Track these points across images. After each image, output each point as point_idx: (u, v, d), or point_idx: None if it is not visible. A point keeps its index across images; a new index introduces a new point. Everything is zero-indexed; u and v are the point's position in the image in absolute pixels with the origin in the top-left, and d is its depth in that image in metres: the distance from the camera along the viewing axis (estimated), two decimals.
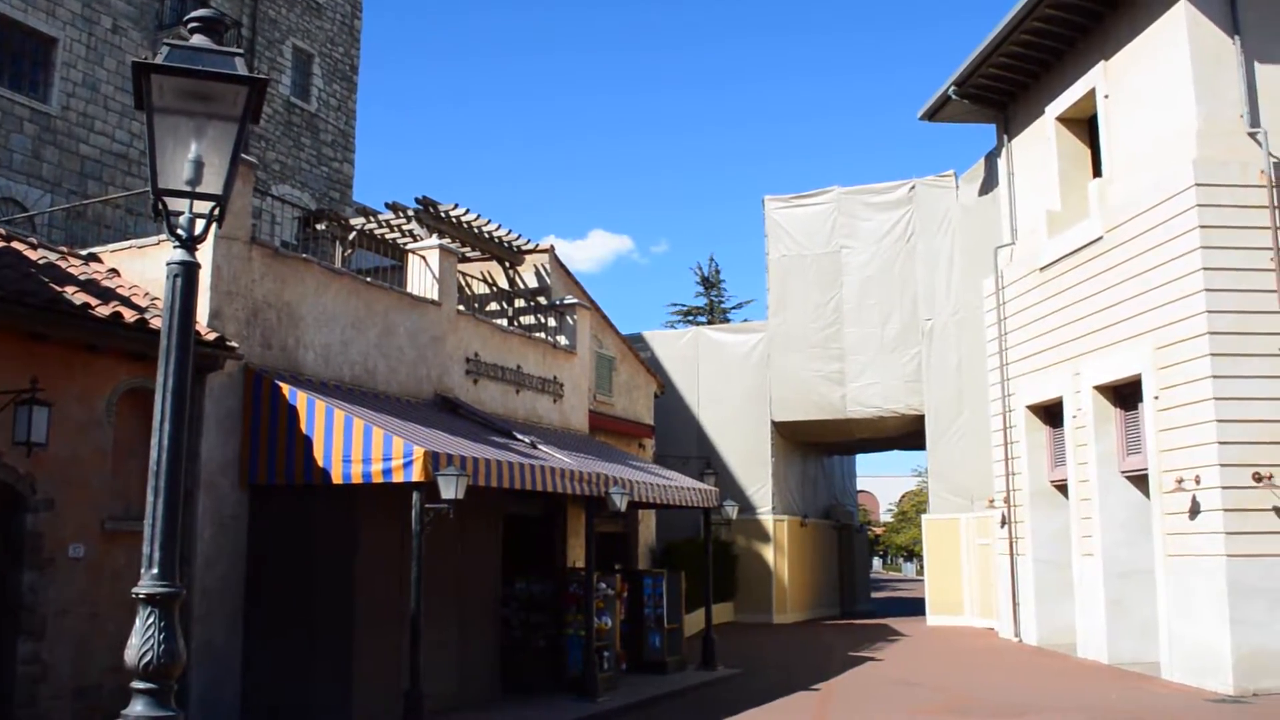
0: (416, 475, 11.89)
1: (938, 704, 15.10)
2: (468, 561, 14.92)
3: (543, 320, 21.16)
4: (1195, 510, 16.33)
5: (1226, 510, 15.88)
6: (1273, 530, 15.88)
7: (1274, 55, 17.18)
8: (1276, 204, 16.67)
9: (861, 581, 37.72)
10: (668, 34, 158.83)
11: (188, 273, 5.16)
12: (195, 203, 5.07)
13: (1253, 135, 16.94)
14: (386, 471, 12.09)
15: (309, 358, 14.13)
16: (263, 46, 28.10)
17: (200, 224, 5.13)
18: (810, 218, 30.00)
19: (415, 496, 12.13)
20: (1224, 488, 15.90)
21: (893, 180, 29.49)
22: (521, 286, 21.43)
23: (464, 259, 19.84)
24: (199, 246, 5.21)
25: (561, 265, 22.49)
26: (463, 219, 19.11)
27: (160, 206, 5.08)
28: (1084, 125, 21.27)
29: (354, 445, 12.33)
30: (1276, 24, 17.24)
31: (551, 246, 21.99)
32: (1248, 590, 15.66)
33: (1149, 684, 16.65)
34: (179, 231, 5.10)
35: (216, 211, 5.14)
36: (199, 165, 5.05)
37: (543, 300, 21.31)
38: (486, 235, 19.90)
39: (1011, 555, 22.76)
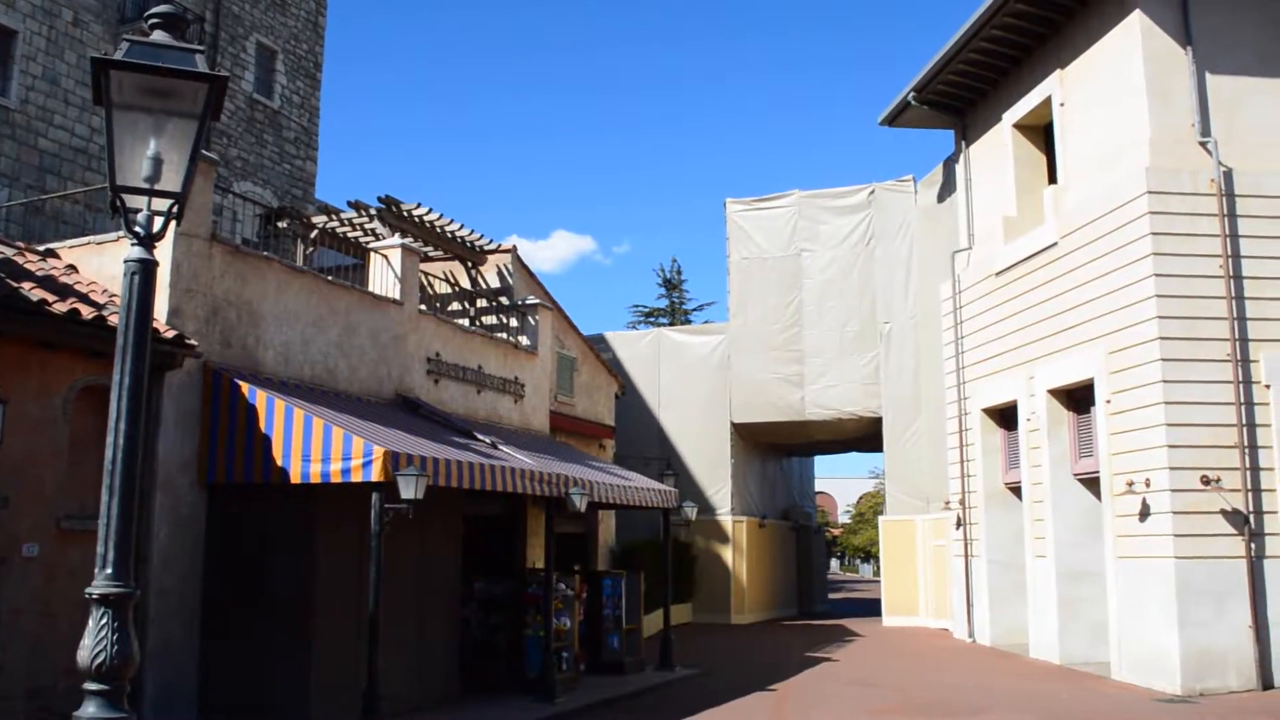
0: (376, 475, 11.90)
1: (893, 704, 15.26)
2: (427, 562, 14.92)
3: (504, 320, 21.19)
4: (1145, 513, 16.60)
5: (1175, 513, 16.14)
6: (1220, 533, 16.17)
7: (1224, 66, 17.49)
8: (1226, 212, 16.97)
9: (819, 582, 37.97)
10: (630, 35, 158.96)
11: (145, 270, 5.17)
12: (153, 200, 5.07)
13: (1203, 145, 17.24)
14: (345, 471, 12.09)
15: (269, 356, 14.10)
16: (226, 42, 27.93)
17: (159, 221, 5.14)
18: (771, 221, 30.21)
19: (375, 496, 12.13)
20: (1173, 490, 16.17)
21: (853, 185, 29.75)
22: (483, 286, 21.44)
23: (426, 258, 19.84)
24: (157, 244, 5.22)
25: (524, 265, 22.52)
26: (425, 218, 19.11)
27: (118, 203, 5.08)
28: (1040, 133, 21.55)
29: (313, 444, 12.32)
30: (1227, 35, 17.55)
31: (514, 246, 22.02)
32: (1195, 592, 15.94)
33: (1099, 684, 16.90)
34: (137, 229, 5.12)
35: (175, 209, 5.15)
36: (158, 162, 5.06)
37: (505, 300, 21.33)
38: (449, 235, 19.90)
39: (966, 556, 23.02)
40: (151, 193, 5.07)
